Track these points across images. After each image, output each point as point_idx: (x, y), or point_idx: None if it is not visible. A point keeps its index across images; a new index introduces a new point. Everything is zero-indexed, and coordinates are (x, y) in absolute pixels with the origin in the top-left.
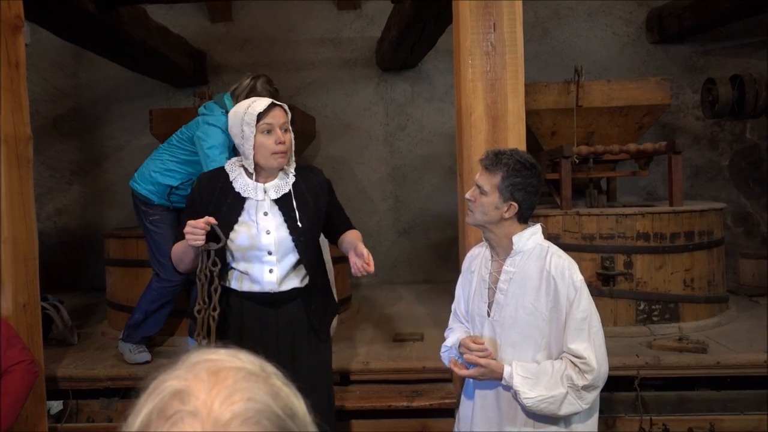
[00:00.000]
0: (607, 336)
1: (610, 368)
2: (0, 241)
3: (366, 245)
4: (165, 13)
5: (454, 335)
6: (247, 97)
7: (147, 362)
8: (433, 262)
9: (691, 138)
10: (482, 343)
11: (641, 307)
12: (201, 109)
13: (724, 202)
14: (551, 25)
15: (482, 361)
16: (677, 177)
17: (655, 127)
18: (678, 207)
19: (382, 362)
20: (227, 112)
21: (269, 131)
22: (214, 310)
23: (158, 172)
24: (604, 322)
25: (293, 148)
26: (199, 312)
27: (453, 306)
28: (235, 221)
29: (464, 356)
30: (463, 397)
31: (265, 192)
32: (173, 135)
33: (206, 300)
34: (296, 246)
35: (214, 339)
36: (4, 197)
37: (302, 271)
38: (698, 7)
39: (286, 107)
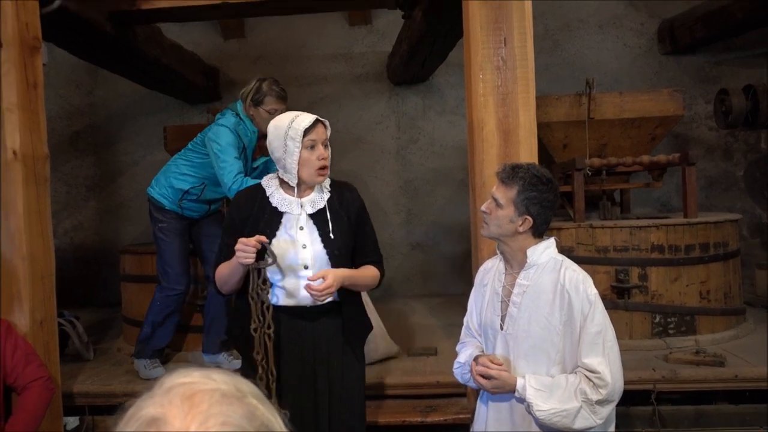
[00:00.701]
0: (623, 349)
1: (626, 382)
2: (18, 259)
3: None
4: (179, 30)
5: (466, 350)
6: (253, 98)
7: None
8: (446, 275)
9: (705, 149)
10: (500, 364)
11: (657, 320)
12: (217, 115)
13: (739, 213)
14: (562, 37)
15: (494, 372)
16: (691, 188)
17: (669, 138)
18: (692, 218)
19: (396, 377)
20: (237, 114)
21: (313, 147)
22: (269, 327)
23: (172, 176)
24: (620, 336)
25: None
26: (255, 330)
27: (465, 319)
28: (273, 236)
29: (475, 368)
30: (477, 410)
31: (301, 207)
32: (189, 143)
33: (260, 318)
34: (331, 260)
35: (272, 357)
36: (21, 216)
37: None
38: (710, 18)
39: (326, 123)
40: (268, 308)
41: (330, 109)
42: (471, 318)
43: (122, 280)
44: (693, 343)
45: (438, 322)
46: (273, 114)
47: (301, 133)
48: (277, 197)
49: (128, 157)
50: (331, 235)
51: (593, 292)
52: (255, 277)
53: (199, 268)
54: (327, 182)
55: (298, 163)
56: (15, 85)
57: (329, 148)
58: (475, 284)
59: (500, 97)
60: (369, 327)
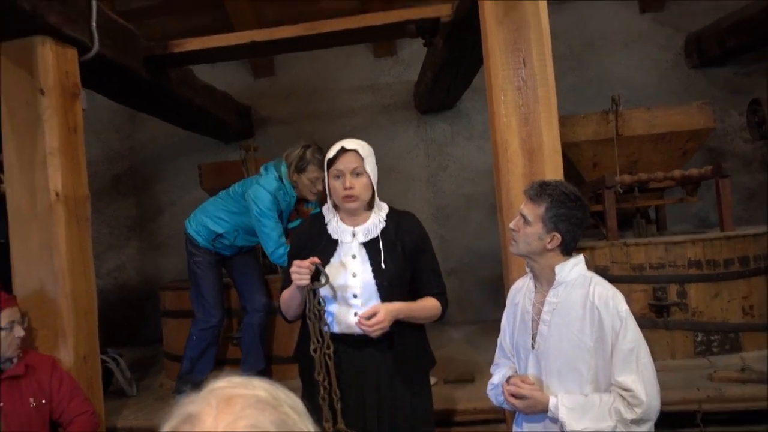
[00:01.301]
0: (665, 370)
1: (670, 403)
2: (61, 297)
3: None
4: (210, 72)
5: (500, 372)
6: (297, 165)
7: None
8: (482, 301)
9: (741, 161)
10: (532, 383)
11: (699, 338)
12: (261, 169)
13: None
14: (587, 56)
15: (526, 392)
16: (726, 201)
17: (703, 152)
18: (729, 232)
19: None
20: (280, 177)
21: (338, 176)
22: (329, 348)
23: (209, 217)
24: (661, 356)
25: (373, 191)
26: (315, 351)
27: (499, 339)
28: (327, 263)
29: (506, 388)
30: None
31: (354, 235)
32: (230, 187)
33: (319, 339)
34: (379, 290)
35: (333, 376)
36: (64, 255)
37: None
38: (737, 28)
39: (360, 150)
40: (327, 328)
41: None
42: (504, 338)
43: (162, 315)
44: (738, 361)
45: (474, 348)
46: (314, 182)
47: (325, 164)
48: (333, 225)
49: (166, 197)
50: (382, 265)
51: (624, 308)
52: (310, 298)
53: (234, 300)
54: (384, 211)
55: (330, 193)
56: (56, 130)
57: (365, 176)
58: (506, 304)
59: (522, 117)
60: (429, 361)
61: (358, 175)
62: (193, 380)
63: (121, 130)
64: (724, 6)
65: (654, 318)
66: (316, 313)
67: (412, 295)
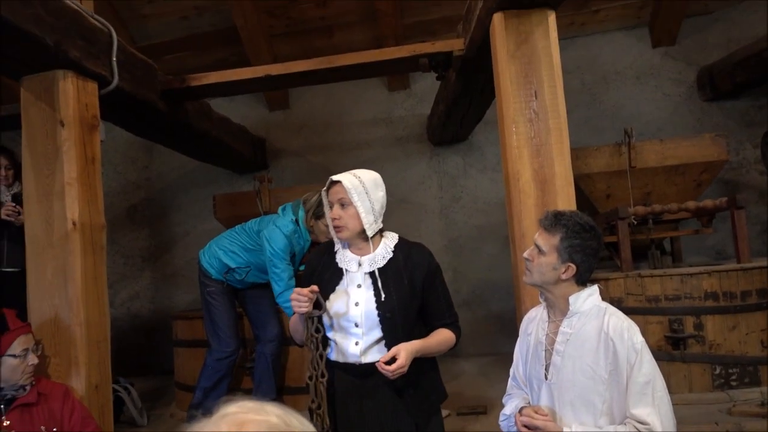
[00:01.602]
0: (683, 403)
1: None
2: (75, 325)
3: None
4: (227, 105)
5: (512, 402)
6: (315, 211)
7: None
8: (495, 333)
9: (758, 194)
10: (546, 414)
11: (717, 371)
12: (279, 209)
13: None
14: (599, 90)
15: (540, 423)
16: (742, 233)
17: (719, 184)
18: (746, 264)
19: None
20: (297, 220)
21: (330, 207)
22: (323, 376)
23: (222, 251)
24: (678, 389)
25: (367, 221)
26: (310, 378)
27: (511, 370)
28: (332, 291)
29: (519, 419)
30: None
31: (360, 265)
32: (246, 223)
33: (315, 367)
34: (381, 322)
35: (326, 404)
36: (79, 283)
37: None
38: (748, 63)
39: (343, 181)
40: (321, 356)
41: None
42: (517, 368)
43: (175, 345)
44: (758, 395)
45: (487, 380)
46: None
47: (325, 195)
48: (341, 254)
49: (180, 227)
50: (382, 296)
51: (639, 339)
52: (309, 325)
53: (247, 330)
54: (393, 242)
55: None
56: (75, 161)
57: (353, 207)
58: (519, 333)
59: (534, 148)
60: (439, 395)
61: (344, 205)
62: (205, 411)
63: (138, 161)
64: (735, 40)
65: (671, 351)
66: (314, 340)
67: (420, 327)
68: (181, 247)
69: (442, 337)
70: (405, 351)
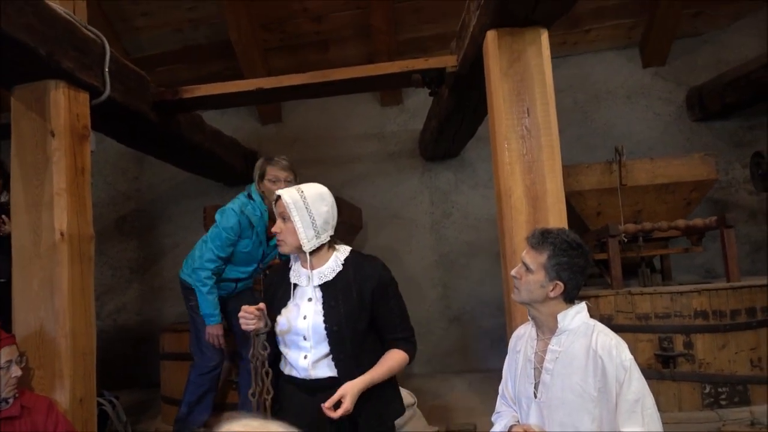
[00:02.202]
0: (672, 422)
1: None
2: (61, 336)
3: (417, 334)
4: (220, 117)
5: (501, 420)
6: (259, 172)
7: None
8: (485, 349)
9: (747, 213)
10: None
11: (707, 390)
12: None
13: None
14: (591, 108)
15: None
16: (732, 252)
17: (708, 203)
18: (735, 282)
19: None
20: (249, 195)
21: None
22: (268, 393)
23: (197, 260)
24: (668, 407)
25: (306, 236)
26: (253, 395)
27: (500, 387)
28: (284, 305)
29: None
30: None
31: (310, 278)
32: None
33: (260, 383)
34: (328, 336)
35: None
36: (66, 294)
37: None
38: (738, 84)
39: (286, 196)
40: (267, 373)
41: (364, 187)
42: (506, 386)
43: (161, 358)
44: (748, 415)
45: (478, 397)
46: (274, 182)
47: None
48: (294, 268)
49: (170, 239)
50: (334, 312)
51: (628, 357)
52: (255, 342)
53: (234, 344)
54: (344, 255)
55: None
56: (64, 171)
57: (290, 222)
58: (508, 351)
59: (526, 165)
60: (392, 412)
61: (284, 220)
62: (190, 426)
63: (128, 172)
64: (725, 61)
65: (660, 369)
66: (258, 357)
67: (373, 339)
68: (170, 259)
69: (390, 363)
70: (350, 395)
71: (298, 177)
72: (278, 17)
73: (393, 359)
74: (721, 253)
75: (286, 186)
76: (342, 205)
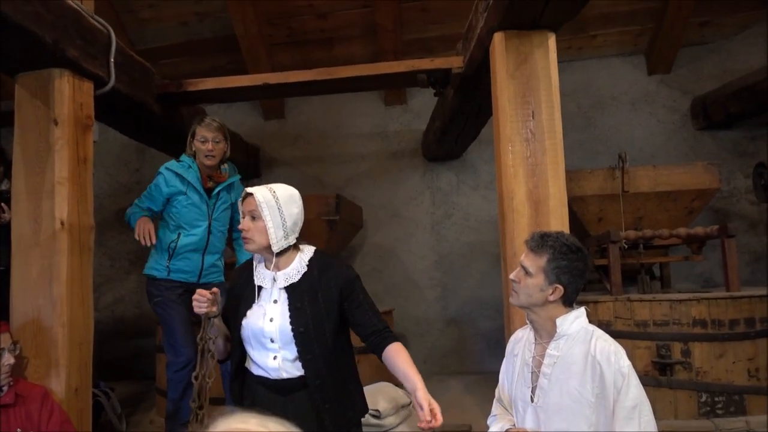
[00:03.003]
0: (668, 430)
1: None
2: (58, 326)
3: (414, 334)
4: (223, 111)
5: (497, 424)
6: (190, 134)
7: None
8: (483, 351)
9: (747, 223)
10: None
11: (703, 398)
12: None
13: None
14: (594, 114)
15: None
16: (732, 261)
17: (709, 212)
18: (735, 292)
19: None
20: (180, 160)
21: (243, 217)
22: (210, 377)
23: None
24: (664, 415)
25: (276, 236)
26: (196, 378)
27: (497, 390)
28: (249, 307)
29: None
30: None
31: (275, 280)
32: None
33: (203, 366)
34: (295, 337)
35: (207, 405)
36: (64, 283)
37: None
38: (742, 94)
39: (258, 195)
40: (212, 356)
41: (366, 185)
42: (502, 389)
43: (157, 351)
44: (744, 425)
45: (473, 399)
46: (203, 143)
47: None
48: (259, 270)
49: None
50: (300, 314)
51: (626, 363)
52: (205, 325)
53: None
54: (307, 256)
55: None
56: (66, 160)
57: (261, 220)
58: (506, 354)
59: (530, 168)
60: (357, 412)
61: (254, 218)
62: (180, 421)
63: (130, 164)
64: (730, 71)
65: (657, 376)
66: (205, 341)
67: (342, 340)
68: None
69: (407, 358)
70: (425, 397)
71: (227, 139)
72: (284, 13)
73: (404, 353)
74: (721, 263)
75: (214, 146)
76: (342, 203)
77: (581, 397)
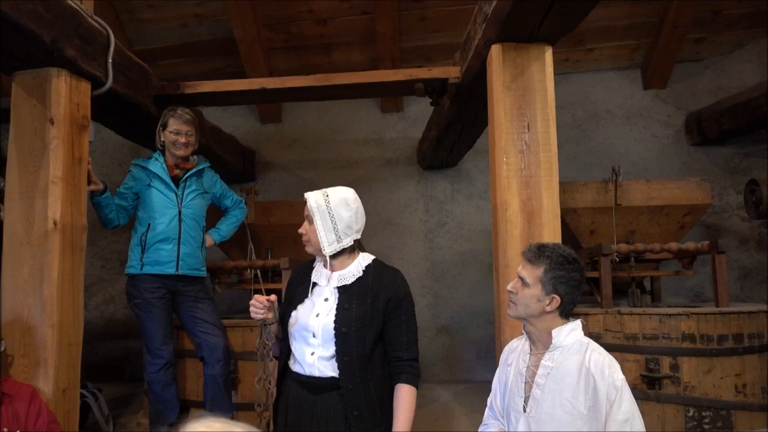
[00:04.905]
0: None
1: None
2: (47, 326)
3: None
4: (220, 114)
5: None
6: (161, 124)
7: None
8: (472, 360)
9: (738, 239)
10: None
11: (690, 413)
12: None
13: None
14: (589, 127)
15: None
16: (722, 277)
17: (701, 228)
18: (724, 308)
19: None
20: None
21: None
22: (270, 382)
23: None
24: (651, 428)
25: (327, 239)
26: (258, 382)
27: (489, 399)
28: (301, 302)
29: None
30: None
31: (329, 280)
32: None
33: (264, 371)
34: (336, 336)
35: (270, 409)
36: (55, 283)
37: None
38: (736, 111)
39: (311, 200)
40: (270, 360)
41: (360, 191)
42: (495, 398)
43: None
44: None
45: (462, 408)
46: (177, 135)
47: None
48: (317, 268)
49: None
50: (346, 314)
51: (620, 377)
52: (262, 332)
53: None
54: (365, 262)
55: None
56: (61, 160)
57: (311, 223)
58: (500, 363)
59: (524, 179)
60: (388, 427)
61: (309, 222)
62: (164, 422)
63: (124, 164)
64: (724, 88)
65: (646, 390)
66: (263, 346)
67: (380, 352)
68: None
69: (406, 407)
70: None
71: (198, 130)
72: (284, 18)
73: (407, 400)
74: (711, 278)
75: (187, 138)
76: None
77: (573, 409)
